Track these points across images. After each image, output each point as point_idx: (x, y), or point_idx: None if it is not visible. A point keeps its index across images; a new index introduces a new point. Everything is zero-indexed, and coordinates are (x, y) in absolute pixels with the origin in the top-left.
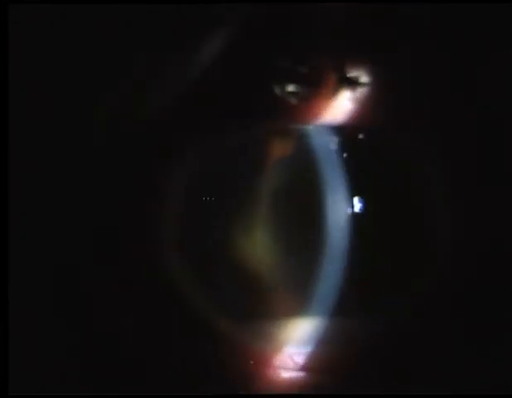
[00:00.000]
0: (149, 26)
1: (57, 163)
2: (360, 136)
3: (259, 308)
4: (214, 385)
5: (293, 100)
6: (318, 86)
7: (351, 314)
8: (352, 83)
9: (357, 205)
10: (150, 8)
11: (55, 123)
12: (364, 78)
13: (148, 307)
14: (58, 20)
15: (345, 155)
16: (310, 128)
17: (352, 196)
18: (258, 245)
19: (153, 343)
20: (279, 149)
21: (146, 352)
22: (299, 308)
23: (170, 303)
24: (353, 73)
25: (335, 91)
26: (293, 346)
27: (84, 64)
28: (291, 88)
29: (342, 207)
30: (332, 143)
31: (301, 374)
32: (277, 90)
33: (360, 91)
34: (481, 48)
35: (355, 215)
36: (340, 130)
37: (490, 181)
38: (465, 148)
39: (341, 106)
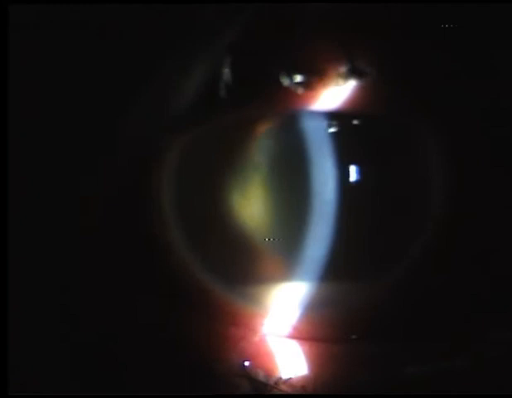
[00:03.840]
0: (150, 26)
1: (56, 161)
2: (357, 122)
3: (251, 273)
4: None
5: (296, 89)
6: (321, 75)
7: (342, 279)
8: (356, 72)
9: (348, 176)
10: (151, 8)
11: (54, 123)
12: (368, 67)
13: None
14: (58, 20)
15: (340, 137)
16: (309, 113)
17: (345, 168)
18: (250, 212)
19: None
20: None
21: (144, 346)
22: (290, 272)
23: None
24: (357, 62)
25: (336, 80)
26: (284, 311)
27: (84, 64)
28: (295, 77)
29: (332, 179)
30: (328, 126)
31: (291, 339)
32: (281, 79)
33: (363, 80)
34: (485, 40)
35: (346, 186)
36: (337, 116)
37: (486, 169)
38: (464, 137)
39: (342, 94)
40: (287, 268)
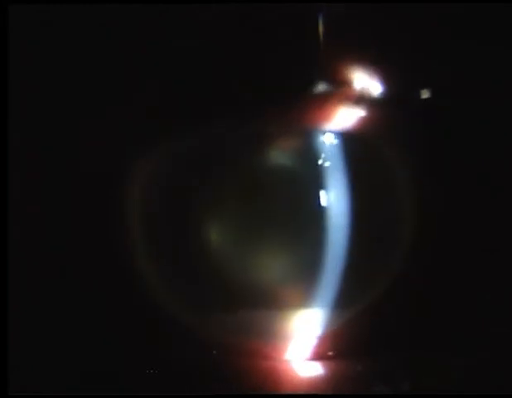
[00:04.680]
0: (148, 25)
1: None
2: (359, 142)
3: (256, 301)
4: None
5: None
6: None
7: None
8: (368, 94)
9: (358, 199)
10: (148, 8)
11: (54, 123)
12: (373, 88)
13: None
14: (58, 20)
15: (344, 158)
16: (313, 131)
17: (348, 194)
18: (258, 240)
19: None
20: (279, 146)
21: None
22: (296, 300)
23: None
24: (364, 83)
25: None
26: (290, 337)
27: (84, 64)
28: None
29: (337, 205)
30: (332, 146)
31: (297, 365)
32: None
33: (367, 100)
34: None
35: (356, 209)
36: (348, 136)
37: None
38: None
39: (354, 114)
40: (294, 296)
